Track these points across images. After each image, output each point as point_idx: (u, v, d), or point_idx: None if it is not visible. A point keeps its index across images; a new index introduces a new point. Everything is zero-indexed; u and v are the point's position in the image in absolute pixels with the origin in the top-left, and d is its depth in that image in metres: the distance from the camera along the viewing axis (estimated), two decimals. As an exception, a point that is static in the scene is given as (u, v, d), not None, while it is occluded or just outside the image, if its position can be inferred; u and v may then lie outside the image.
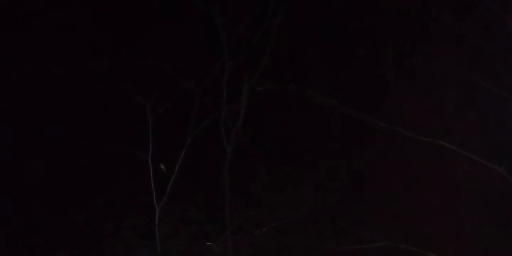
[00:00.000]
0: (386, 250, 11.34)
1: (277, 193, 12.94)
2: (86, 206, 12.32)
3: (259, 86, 12.20)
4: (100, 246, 12.19)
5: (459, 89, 11.53)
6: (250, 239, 12.40)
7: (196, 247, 12.33)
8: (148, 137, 11.88)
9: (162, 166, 12.02)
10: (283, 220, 12.45)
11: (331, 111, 11.84)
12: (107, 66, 12.20)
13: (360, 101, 11.88)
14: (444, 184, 11.73)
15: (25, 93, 12.73)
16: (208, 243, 12.35)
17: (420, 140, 11.10)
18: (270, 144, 12.86)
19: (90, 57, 12.29)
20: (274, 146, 12.86)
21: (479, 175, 11.14)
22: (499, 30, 10.94)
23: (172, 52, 12.30)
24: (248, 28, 12.14)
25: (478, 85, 11.00)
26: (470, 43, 11.19)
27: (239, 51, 12.25)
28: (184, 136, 12.04)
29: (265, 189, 12.86)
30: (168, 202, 11.75)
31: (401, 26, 11.75)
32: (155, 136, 11.87)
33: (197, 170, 12.42)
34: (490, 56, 11.14)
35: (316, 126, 12.70)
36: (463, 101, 11.62)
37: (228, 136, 12.13)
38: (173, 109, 12.03)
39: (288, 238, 12.42)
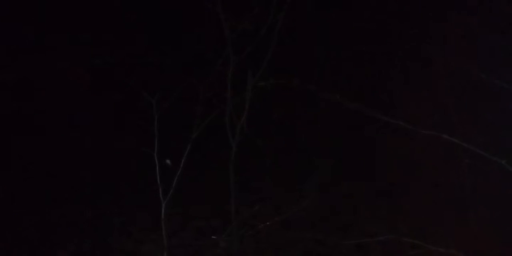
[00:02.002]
0: (389, 243, 11.52)
1: (282, 187, 13.07)
2: (93, 201, 12.54)
3: (263, 81, 12.34)
4: (107, 240, 12.38)
5: (461, 83, 11.64)
6: (255, 233, 12.57)
7: (202, 241, 12.50)
8: (154, 133, 12.06)
9: (168, 161, 12.16)
10: (288, 214, 12.59)
11: (335, 105, 11.93)
12: (111, 62, 12.32)
13: (364, 96, 11.96)
14: (447, 177, 11.86)
15: (30, 89, 12.84)
16: (214, 237, 12.50)
17: (423, 134, 11.25)
18: (275, 138, 12.97)
19: (94, 53, 12.41)
20: (279, 140, 12.97)
21: (482, 168, 11.29)
22: (501, 23, 11.05)
23: (176, 47, 12.42)
24: (252, 23, 12.29)
25: (481, 78, 11.12)
26: (472, 37, 11.30)
27: (243, 46, 12.42)
28: (189, 132, 12.23)
29: (270, 183, 12.99)
30: (174, 197, 12.00)
31: (406, 22, 11.83)
32: (161, 131, 12.08)
33: (203, 165, 12.59)
34: (492, 49, 11.24)
35: (320, 120, 12.80)
36: (465, 95, 11.71)
37: (233, 131, 12.33)
38: (178, 104, 12.25)
39: (292, 232, 12.61)
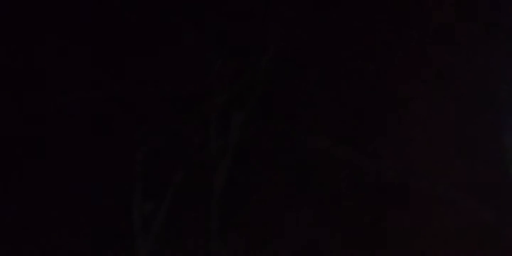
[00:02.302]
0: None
1: (268, 231, 12.75)
2: (68, 249, 12.04)
3: (249, 122, 12.18)
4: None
5: (460, 134, 11.43)
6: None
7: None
8: (135, 175, 11.84)
9: (148, 206, 11.93)
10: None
11: (325, 152, 11.75)
12: (91, 101, 12.03)
13: (356, 144, 11.75)
14: (444, 232, 11.56)
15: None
16: None
17: (419, 188, 11.06)
18: (260, 181, 12.69)
19: (76, 91, 12.09)
20: (265, 182, 12.68)
21: (482, 225, 11.07)
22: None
23: (161, 86, 12.17)
24: (239, 62, 12.14)
25: (480, 130, 11.01)
26: (471, 91, 11.17)
27: (230, 86, 12.22)
28: (172, 174, 11.97)
29: (255, 228, 12.67)
30: (155, 243, 11.79)
31: (399, 67, 11.65)
32: (142, 174, 11.85)
33: (185, 209, 12.23)
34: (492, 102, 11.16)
35: (308, 165, 12.53)
36: (465, 147, 11.49)
37: (217, 173, 12.10)
38: (161, 146, 11.91)
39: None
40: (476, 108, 11.27)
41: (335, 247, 11.89)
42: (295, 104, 12.11)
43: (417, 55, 11.70)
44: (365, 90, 11.96)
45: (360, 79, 11.98)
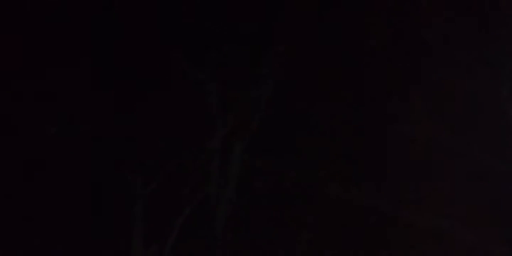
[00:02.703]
0: None
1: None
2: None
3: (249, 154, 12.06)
4: None
5: (463, 164, 11.27)
6: None
7: None
8: (138, 216, 11.63)
9: (153, 247, 11.75)
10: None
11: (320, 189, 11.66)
12: (95, 137, 11.88)
13: (358, 180, 11.59)
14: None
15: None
16: None
17: (422, 222, 10.89)
18: (263, 216, 12.56)
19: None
20: (269, 219, 12.54)
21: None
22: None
23: (162, 122, 12.02)
24: (239, 94, 11.96)
25: (482, 158, 10.83)
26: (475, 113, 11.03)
27: (230, 118, 12.02)
28: (175, 214, 11.73)
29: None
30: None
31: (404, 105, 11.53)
32: (146, 214, 11.63)
33: (189, 249, 12.08)
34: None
35: (310, 196, 12.41)
36: (469, 177, 11.32)
37: (220, 210, 11.90)
38: (164, 184, 11.68)
39: None
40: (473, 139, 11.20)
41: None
42: (290, 138, 12.06)
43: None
44: (362, 125, 11.89)
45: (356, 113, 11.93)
